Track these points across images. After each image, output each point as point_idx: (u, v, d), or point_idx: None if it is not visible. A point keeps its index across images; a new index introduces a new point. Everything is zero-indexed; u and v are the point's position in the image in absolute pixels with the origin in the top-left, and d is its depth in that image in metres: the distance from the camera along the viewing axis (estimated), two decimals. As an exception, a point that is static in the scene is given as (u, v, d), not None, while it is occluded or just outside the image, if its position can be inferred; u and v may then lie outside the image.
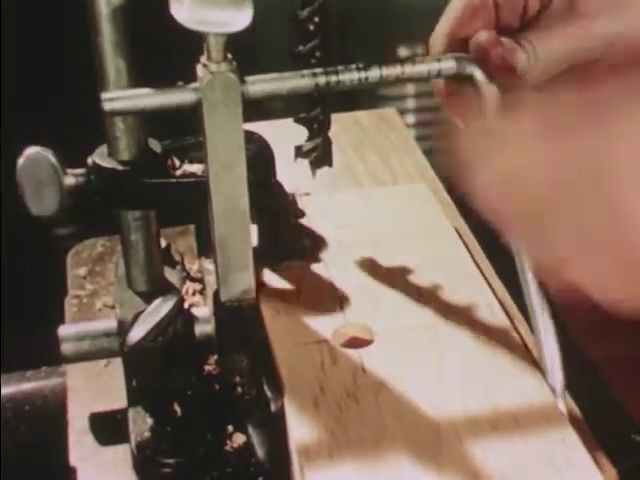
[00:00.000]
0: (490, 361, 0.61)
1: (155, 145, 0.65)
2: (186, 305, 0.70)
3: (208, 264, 0.75)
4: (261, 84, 0.59)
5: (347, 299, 0.67)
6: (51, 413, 0.74)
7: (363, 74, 0.59)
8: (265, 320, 0.65)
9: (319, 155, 0.67)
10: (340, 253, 0.72)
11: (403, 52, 1.94)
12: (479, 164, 0.49)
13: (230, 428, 0.66)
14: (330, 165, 0.68)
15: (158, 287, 0.68)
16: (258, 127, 0.69)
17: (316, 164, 0.68)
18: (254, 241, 0.67)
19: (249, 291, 0.65)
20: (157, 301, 0.64)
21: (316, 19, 0.62)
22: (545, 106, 0.51)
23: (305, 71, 0.59)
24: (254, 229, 0.68)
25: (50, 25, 1.52)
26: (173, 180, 0.65)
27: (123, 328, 0.65)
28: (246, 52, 0.57)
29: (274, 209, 0.69)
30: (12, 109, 1.53)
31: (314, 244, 0.73)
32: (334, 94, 0.62)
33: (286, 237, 0.70)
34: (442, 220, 0.76)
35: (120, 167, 0.63)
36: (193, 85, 0.58)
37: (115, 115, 0.61)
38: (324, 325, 0.65)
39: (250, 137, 0.67)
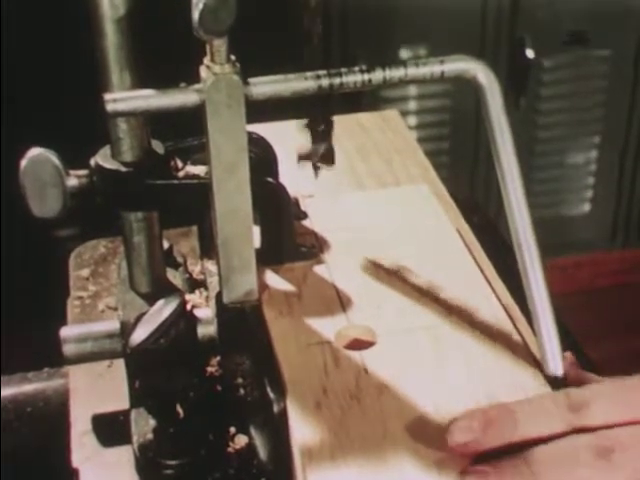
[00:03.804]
0: (492, 362, 0.62)
1: (158, 146, 0.65)
2: (188, 306, 0.70)
3: (211, 266, 0.75)
4: (264, 86, 0.59)
5: (349, 301, 0.67)
6: (53, 414, 0.74)
7: (366, 76, 0.59)
8: (267, 322, 0.65)
9: (322, 157, 0.67)
10: (343, 255, 0.72)
11: (405, 54, 1.94)
12: None
13: (232, 429, 0.66)
14: (332, 164, 0.68)
15: (161, 289, 0.68)
16: (261, 129, 0.69)
17: (318, 165, 0.68)
18: (257, 243, 0.67)
19: (252, 293, 0.65)
20: (160, 303, 0.64)
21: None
22: None
23: (308, 73, 0.59)
24: (257, 231, 0.68)
25: (53, 26, 1.52)
26: (176, 181, 0.65)
27: (126, 329, 0.65)
28: (250, 54, 0.57)
29: (277, 211, 0.69)
30: (14, 110, 1.53)
31: (317, 246, 0.73)
32: (337, 96, 0.62)
33: (289, 239, 0.70)
34: (444, 221, 0.76)
35: (123, 168, 0.63)
36: (196, 86, 0.58)
37: (118, 116, 0.61)
38: (326, 327, 0.65)
39: (253, 139, 0.67)
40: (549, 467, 0.54)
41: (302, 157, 0.68)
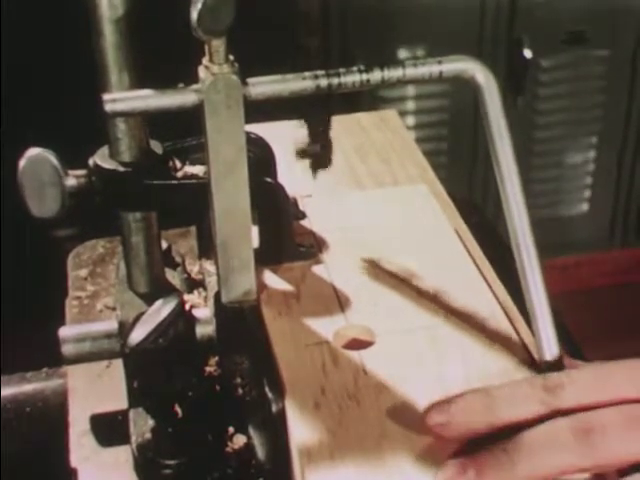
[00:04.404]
0: (490, 362, 0.62)
1: (156, 146, 0.65)
2: (187, 306, 0.70)
3: (209, 266, 0.75)
4: (263, 86, 0.59)
5: (348, 300, 0.67)
6: (52, 414, 0.74)
7: (365, 76, 0.59)
8: (266, 321, 0.65)
9: (320, 157, 0.67)
10: (341, 254, 0.72)
11: (403, 54, 1.94)
12: None
13: (231, 429, 0.66)
14: (329, 165, 0.68)
15: (159, 289, 0.68)
16: (259, 128, 0.69)
17: (316, 166, 0.68)
18: (255, 242, 0.67)
19: (250, 292, 0.65)
20: (158, 303, 0.64)
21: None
22: None
23: (307, 73, 0.59)
24: (255, 230, 0.68)
25: (52, 26, 1.52)
26: (174, 182, 0.65)
27: (124, 329, 0.65)
28: (248, 53, 0.57)
29: (275, 210, 0.69)
30: (13, 110, 1.53)
31: (315, 245, 0.73)
32: (335, 96, 0.62)
33: (287, 239, 0.70)
34: (442, 221, 0.76)
35: (121, 168, 0.63)
36: (195, 86, 0.58)
37: (116, 116, 0.61)
38: (325, 326, 0.65)
39: (251, 139, 0.67)
40: (528, 453, 0.54)
41: (300, 153, 0.68)
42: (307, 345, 0.63)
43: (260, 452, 0.64)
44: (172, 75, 0.60)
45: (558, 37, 2.02)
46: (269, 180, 0.68)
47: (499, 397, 0.56)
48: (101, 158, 0.64)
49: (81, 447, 0.67)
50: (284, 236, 0.70)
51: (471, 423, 0.55)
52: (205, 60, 0.58)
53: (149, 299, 0.66)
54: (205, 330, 0.66)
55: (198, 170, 0.66)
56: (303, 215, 0.76)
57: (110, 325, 0.68)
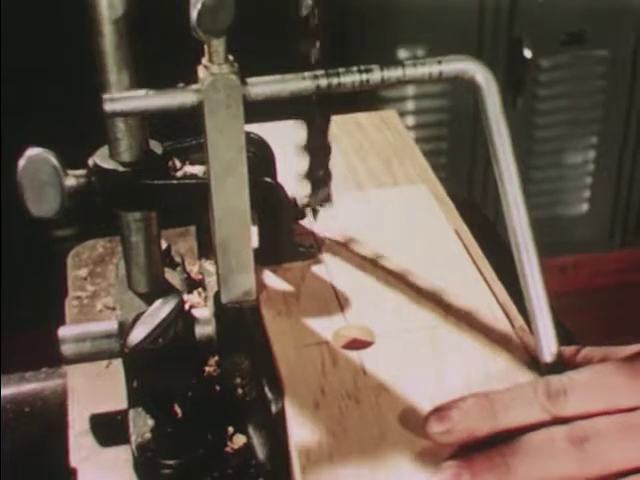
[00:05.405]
0: (490, 363, 0.62)
1: (156, 146, 0.65)
2: (187, 306, 0.70)
3: (209, 265, 0.75)
4: (262, 86, 0.59)
5: (347, 301, 0.67)
6: (51, 414, 0.74)
7: (364, 76, 0.59)
8: (266, 321, 0.65)
9: (321, 202, 0.69)
10: (341, 255, 0.72)
11: (403, 54, 1.94)
12: None
13: (231, 429, 0.66)
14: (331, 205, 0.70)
15: (159, 288, 0.68)
16: (259, 128, 0.69)
17: (318, 209, 0.70)
18: (255, 242, 0.67)
19: (250, 292, 0.65)
20: (158, 302, 0.64)
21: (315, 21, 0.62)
22: None
23: (306, 73, 0.59)
24: (255, 230, 0.68)
25: (51, 26, 1.52)
26: (174, 182, 0.65)
27: (124, 329, 0.65)
28: (248, 54, 0.57)
29: (275, 211, 0.69)
30: (13, 110, 1.53)
31: (315, 245, 0.73)
32: (335, 100, 0.62)
33: (287, 239, 0.70)
34: (442, 222, 0.76)
35: (121, 168, 0.63)
36: (194, 86, 0.58)
37: (116, 116, 0.61)
38: (325, 327, 0.65)
39: (251, 138, 0.67)
40: (524, 458, 0.53)
41: (304, 205, 0.69)
42: (307, 345, 0.63)
43: (260, 452, 0.64)
44: (172, 75, 0.60)
45: (558, 37, 2.02)
46: (269, 180, 0.68)
47: (501, 403, 0.56)
48: (101, 158, 0.64)
49: (81, 447, 0.67)
50: (284, 236, 0.70)
51: (472, 429, 0.55)
52: (204, 60, 0.58)
53: (149, 299, 0.66)
54: (205, 330, 0.66)
55: (198, 170, 0.66)
56: (303, 215, 0.76)
57: (110, 325, 0.68)
